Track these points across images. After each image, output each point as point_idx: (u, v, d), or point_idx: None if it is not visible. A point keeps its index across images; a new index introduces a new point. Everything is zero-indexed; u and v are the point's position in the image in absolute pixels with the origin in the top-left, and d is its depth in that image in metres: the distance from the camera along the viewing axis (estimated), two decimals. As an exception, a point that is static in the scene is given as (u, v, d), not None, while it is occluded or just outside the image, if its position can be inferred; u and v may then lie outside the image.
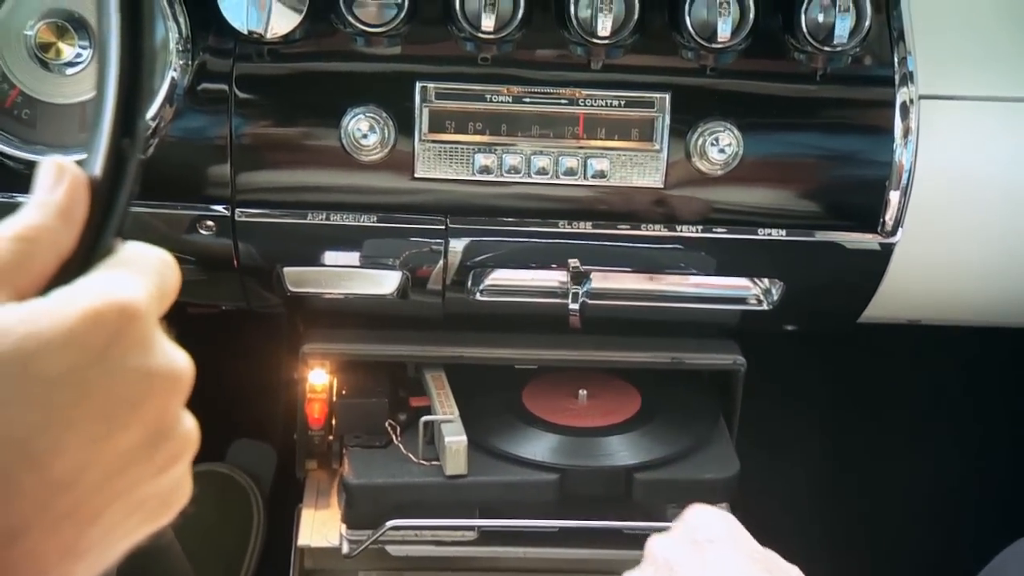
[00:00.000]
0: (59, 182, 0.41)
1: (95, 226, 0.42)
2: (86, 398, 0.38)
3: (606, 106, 0.87)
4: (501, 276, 0.95)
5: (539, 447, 0.99)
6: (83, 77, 0.83)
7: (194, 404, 0.43)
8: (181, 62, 0.84)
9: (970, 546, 0.88)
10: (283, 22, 0.83)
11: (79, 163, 0.43)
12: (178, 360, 0.41)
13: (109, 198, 0.43)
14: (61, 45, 0.83)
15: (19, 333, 0.37)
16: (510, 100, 0.87)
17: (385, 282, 0.94)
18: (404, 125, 0.86)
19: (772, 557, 0.68)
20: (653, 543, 0.70)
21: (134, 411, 0.39)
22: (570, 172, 0.88)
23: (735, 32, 0.84)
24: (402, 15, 0.83)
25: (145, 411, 0.40)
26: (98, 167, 0.43)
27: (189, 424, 0.42)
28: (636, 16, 0.84)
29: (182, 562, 1.07)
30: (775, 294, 0.96)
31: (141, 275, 0.41)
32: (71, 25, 0.83)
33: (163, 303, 0.42)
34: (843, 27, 0.84)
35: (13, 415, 0.37)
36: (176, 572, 1.05)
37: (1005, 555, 0.83)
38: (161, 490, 0.42)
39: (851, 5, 0.84)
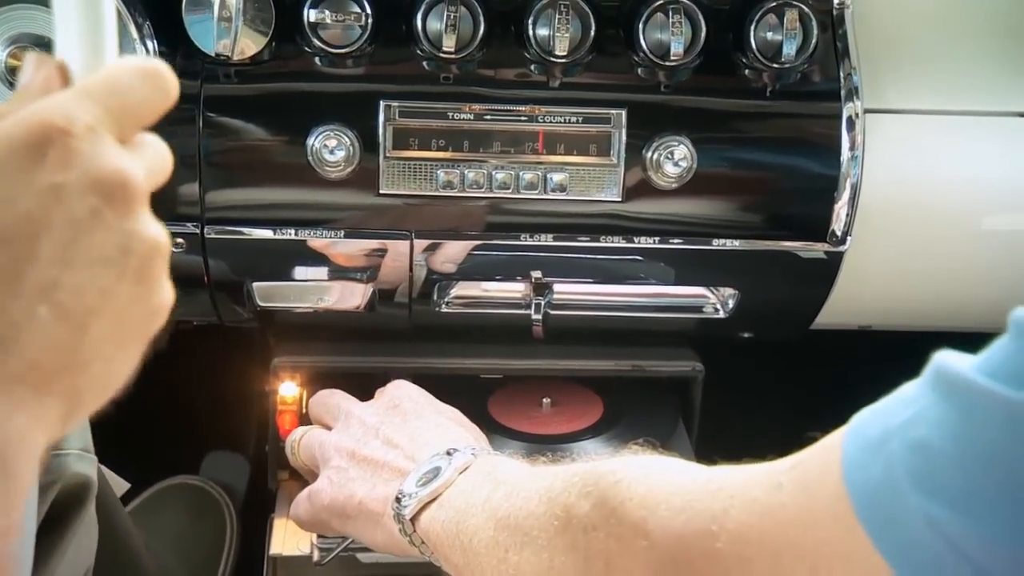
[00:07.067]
0: (38, 70, 0.45)
1: None
2: (55, 206, 0.40)
3: (564, 122, 0.90)
4: (466, 288, 0.97)
5: (505, 454, 1.01)
6: (54, 100, 0.85)
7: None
8: (150, 84, 0.85)
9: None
10: (249, 44, 0.85)
11: None
12: (126, 166, 0.43)
13: None
14: (31, 69, 0.84)
15: None
16: (471, 117, 0.90)
17: (353, 296, 0.96)
18: (369, 143, 0.88)
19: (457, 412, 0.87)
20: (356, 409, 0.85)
21: (97, 218, 0.41)
22: (531, 186, 0.90)
23: (687, 50, 0.87)
24: (366, 36, 0.86)
25: (106, 217, 0.42)
26: None
27: (154, 229, 0.44)
28: (592, 36, 0.87)
29: (154, 574, 1.08)
30: (731, 302, 0.99)
31: (87, 97, 0.43)
32: (41, 49, 0.84)
33: (123, 119, 0.44)
34: (790, 45, 0.87)
35: None
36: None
37: None
38: (143, 298, 0.43)
39: (798, 24, 0.87)
